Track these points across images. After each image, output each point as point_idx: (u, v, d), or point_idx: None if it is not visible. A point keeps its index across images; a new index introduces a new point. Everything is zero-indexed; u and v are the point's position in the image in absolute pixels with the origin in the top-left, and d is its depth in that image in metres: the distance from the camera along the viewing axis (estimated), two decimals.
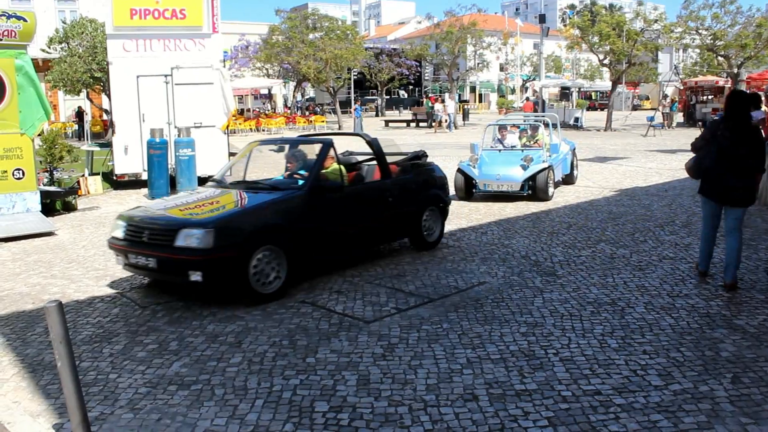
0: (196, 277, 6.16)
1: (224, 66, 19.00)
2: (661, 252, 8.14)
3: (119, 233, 6.85)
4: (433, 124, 36.23)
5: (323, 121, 40.85)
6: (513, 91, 65.81)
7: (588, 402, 4.23)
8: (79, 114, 34.35)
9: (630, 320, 5.73)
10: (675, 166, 17.21)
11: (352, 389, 4.51)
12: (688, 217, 10.26)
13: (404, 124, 43.51)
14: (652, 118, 30.33)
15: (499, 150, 13.24)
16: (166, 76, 15.32)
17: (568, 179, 14.24)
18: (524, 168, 12.14)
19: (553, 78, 57.77)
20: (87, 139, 28.26)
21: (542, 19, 46.41)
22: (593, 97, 62.19)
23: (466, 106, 50.67)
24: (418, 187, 8.59)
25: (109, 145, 17.43)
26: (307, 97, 61.24)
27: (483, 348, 5.19)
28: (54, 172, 13.41)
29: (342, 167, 7.71)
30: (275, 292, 6.50)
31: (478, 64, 48.43)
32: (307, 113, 45.25)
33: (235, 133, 32.68)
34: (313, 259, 7.11)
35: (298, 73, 42.98)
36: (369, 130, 31.17)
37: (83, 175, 15.04)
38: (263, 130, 37.33)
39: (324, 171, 7.52)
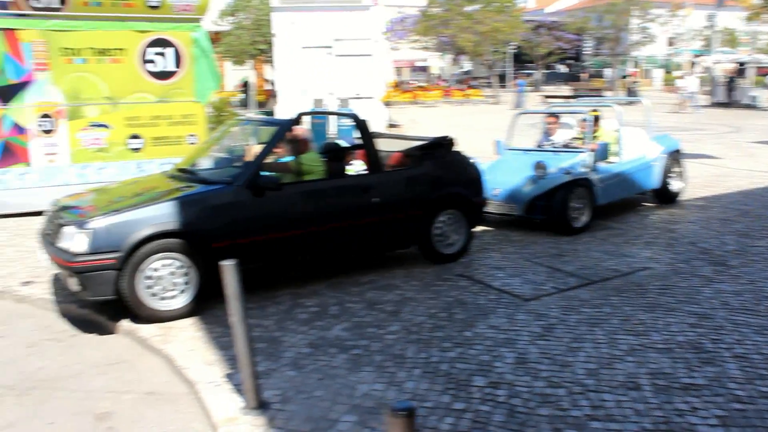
0: (73, 285, 5.23)
1: (384, 38, 19.22)
2: None
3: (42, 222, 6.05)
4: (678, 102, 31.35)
5: (479, 95, 40.44)
6: (679, 66, 61.98)
7: (766, 405, 3.94)
8: (245, 84, 36.12)
9: None
10: None
11: (510, 366, 4.47)
12: None
13: (562, 100, 42.19)
14: None
15: (526, 151, 9.25)
16: (327, 47, 15.71)
17: (663, 195, 9.91)
18: (534, 181, 8.34)
19: (727, 53, 53.82)
20: (251, 108, 29.65)
21: None
22: None
23: (629, 83, 48.41)
24: (429, 184, 6.75)
25: (271, 113, 18.19)
26: (463, 70, 60.90)
27: (647, 336, 4.97)
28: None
29: (318, 155, 6.54)
30: (184, 309, 5.43)
31: (644, 38, 45.99)
32: (463, 86, 44.97)
33: (390, 105, 33.10)
34: (249, 268, 5.45)
35: (455, 46, 42.75)
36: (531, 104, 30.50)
37: (247, 144, 15.80)
38: (419, 103, 37.54)
39: (296, 160, 6.30)
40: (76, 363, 4.90)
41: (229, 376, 4.36)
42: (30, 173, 9.76)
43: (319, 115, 13.97)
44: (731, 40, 60.59)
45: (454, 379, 4.29)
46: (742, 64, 34.50)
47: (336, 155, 6.94)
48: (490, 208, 8.23)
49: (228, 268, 3.83)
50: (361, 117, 6.68)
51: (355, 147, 7.30)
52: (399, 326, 5.19)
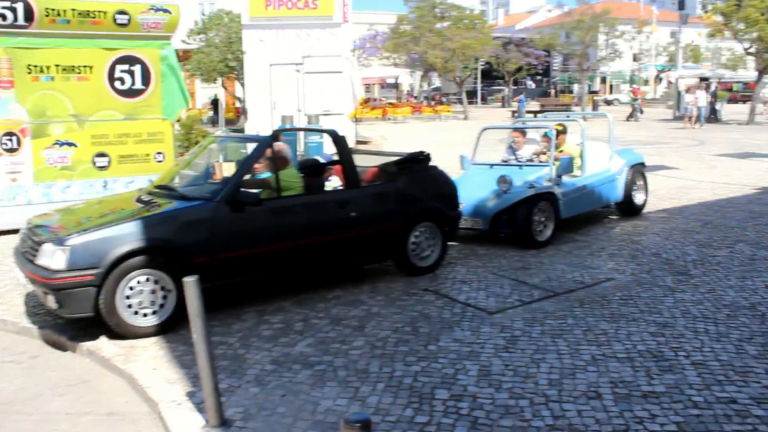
0: (51, 302, 5.21)
1: (353, 55, 19.32)
2: None
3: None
4: (685, 118, 31.02)
5: (449, 111, 40.73)
6: (646, 82, 63.09)
7: (722, 410, 4.00)
8: (215, 101, 36.05)
9: None
10: None
11: (473, 379, 4.49)
12: None
13: (531, 115, 42.78)
14: None
15: (491, 165, 9.21)
16: (297, 64, 15.78)
17: (627, 208, 9.97)
18: (498, 196, 8.28)
19: (690, 68, 54.90)
20: (221, 126, 29.57)
21: (681, 5, 44.31)
22: (734, 89, 58.64)
23: (595, 97, 49.17)
24: (405, 198, 6.85)
25: (241, 131, 18.17)
26: (433, 86, 61.34)
27: (609, 346, 5.03)
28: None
29: (297, 171, 6.60)
30: (162, 325, 5.40)
31: (610, 53, 46.77)
32: (432, 103, 45.30)
33: (361, 121, 33.22)
34: (229, 283, 5.81)
35: (425, 62, 43.10)
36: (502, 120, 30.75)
37: (218, 161, 15.75)
38: (389, 119, 37.70)
39: (275, 176, 6.20)
40: (34, 385, 4.82)
41: (191, 395, 4.33)
42: None
43: (289, 132, 13.98)
44: (695, 55, 61.86)
45: (418, 393, 4.30)
46: (705, 79, 35.14)
47: (314, 171, 7.01)
48: None
49: (190, 284, 3.81)
50: (340, 133, 6.79)
51: (332, 163, 7.40)
52: (364, 341, 5.20)
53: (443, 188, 7.36)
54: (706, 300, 6.07)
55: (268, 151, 6.30)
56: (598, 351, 4.93)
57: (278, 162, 6.35)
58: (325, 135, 6.70)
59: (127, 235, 5.25)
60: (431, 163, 7.39)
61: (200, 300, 3.78)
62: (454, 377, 4.53)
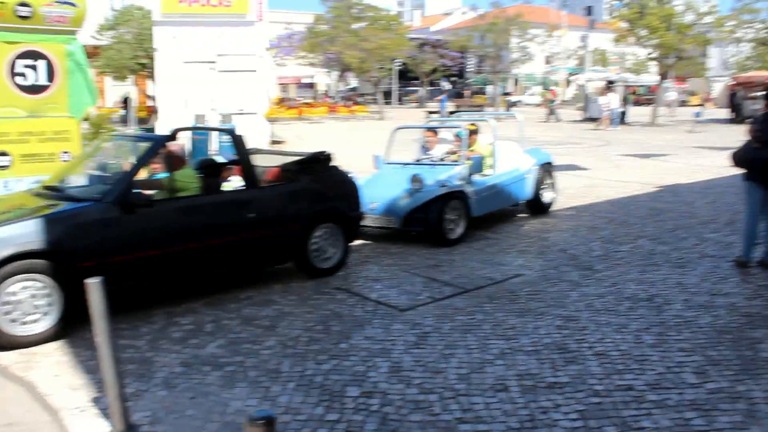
0: None
1: (269, 54, 19.16)
2: (703, 249, 7.99)
3: None
4: (598, 120, 31.54)
5: (365, 111, 40.87)
6: (556, 84, 64.99)
7: (620, 397, 4.19)
8: (126, 99, 34.98)
9: (667, 317, 5.65)
10: (720, 163, 16.76)
11: (384, 375, 4.54)
12: (732, 215, 10.02)
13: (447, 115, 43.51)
14: (698, 114, 29.69)
15: (404, 165, 9.38)
16: (210, 63, 15.51)
17: (536, 206, 10.28)
18: (411, 194, 8.41)
19: (598, 71, 56.90)
20: (132, 124, 28.75)
21: (589, 11, 45.90)
22: (638, 92, 61.15)
23: (508, 98, 50.34)
24: (305, 199, 6.77)
25: (152, 130, 17.73)
26: (349, 86, 61.41)
27: (516, 340, 5.17)
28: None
29: (194, 171, 6.45)
30: (47, 333, 5.14)
31: (522, 56, 47.97)
32: (349, 103, 45.36)
33: (276, 121, 32.94)
34: (120, 287, 5.43)
35: (341, 62, 43.12)
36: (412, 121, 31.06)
37: (126, 161, 15.33)
38: (305, 119, 37.53)
39: (170, 176, 6.12)
40: None
41: (96, 400, 4.21)
42: None
43: (201, 132, 13.73)
44: (602, 59, 64.18)
45: (329, 391, 4.32)
46: (611, 82, 36.49)
47: (212, 171, 6.82)
48: (369, 221, 8.32)
49: (93, 286, 3.71)
50: (238, 132, 6.60)
51: (232, 162, 7.20)
52: (275, 341, 5.17)
53: (345, 188, 7.31)
54: (608, 293, 6.32)
55: (164, 151, 6.13)
56: (506, 345, 5.07)
57: (174, 162, 6.21)
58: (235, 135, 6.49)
59: (9, 239, 4.97)
60: (333, 163, 7.33)
61: (104, 302, 3.68)
62: (365, 374, 4.56)
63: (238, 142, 6.49)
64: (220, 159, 7.64)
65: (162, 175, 6.32)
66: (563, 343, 5.11)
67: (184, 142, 6.85)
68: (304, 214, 6.71)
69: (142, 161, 6.02)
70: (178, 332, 5.39)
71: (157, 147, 6.10)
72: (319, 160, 7.14)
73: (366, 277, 6.93)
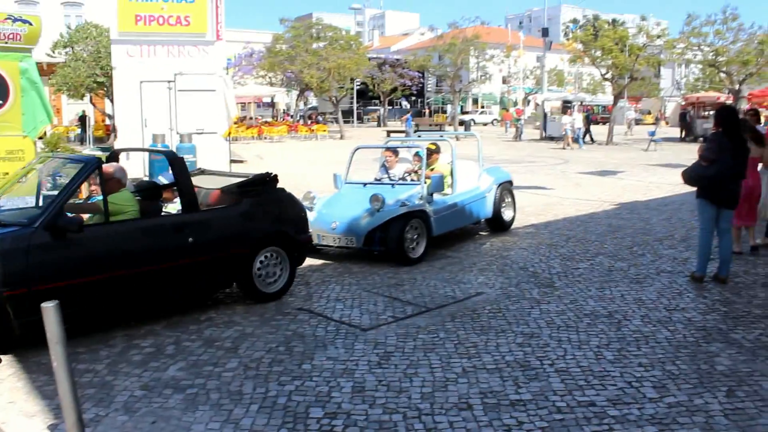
0: None
1: (227, 73, 19.10)
2: (659, 266, 8.15)
3: None
4: (557, 139, 32.64)
5: (325, 130, 40.92)
6: (515, 103, 65.96)
7: (582, 413, 4.24)
8: (82, 118, 34.43)
9: (626, 333, 5.74)
10: (675, 180, 17.16)
11: (347, 396, 4.52)
12: (687, 232, 10.27)
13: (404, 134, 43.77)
14: (653, 133, 30.38)
15: (364, 184, 9.35)
16: (169, 82, 15.39)
17: (496, 224, 10.36)
18: (371, 214, 8.42)
19: (555, 91, 57.93)
20: (89, 144, 28.32)
21: (545, 32, 46.77)
22: (595, 111, 62.40)
23: (460, 117, 50.95)
24: (249, 222, 6.57)
25: (110, 149, 17.48)
26: (309, 105, 61.44)
27: (479, 358, 5.20)
28: (56, 177, 13.44)
29: (133, 195, 6.20)
30: None
31: (481, 76, 48.61)
32: (309, 122, 45.36)
33: (236, 140, 32.76)
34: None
35: (301, 82, 43.14)
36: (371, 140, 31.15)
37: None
38: (265, 138, 37.40)
39: (105, 199, 5.73)
40: None
41: (54, 427, 4.11)
42: None
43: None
44: (559, 79, 65.38)
45: (292, 412, 4.28)
46: (568, 102, 37.20)
47: (151, 194, 6.62)
48: (330, 241, 8.38)
49: (48, 310, 3.62)
50: (174, 154, 6.40)
51: (171, 185, 6.90)
52: (237, 362, 5.11)
53: (291, 211, 7.10)
54: (569, 310, 6.40)
55: (98, 173, 5.80)
56: (469, 363, 5.09)
57: (110, 184, 5.94)
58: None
59: None
60: (279, 185, 7.14)
61: (60, 326, 3.60)
62: (329, 395, 4.53)
63: (175, 163, 6.23)
64: (164, 181, 7.42)
65: (98, 198, 6.08)
66: (525, 360, 5.15)
67: (122, 164, 6.62)
68: (246, 237, 6.51)
69: (73, 184, 5.62)
70: (139, 355, 5.30)
71: (89, 169, 5.71)
72: (265, 182, 6.93)
73: (328, 297, 6.91)
